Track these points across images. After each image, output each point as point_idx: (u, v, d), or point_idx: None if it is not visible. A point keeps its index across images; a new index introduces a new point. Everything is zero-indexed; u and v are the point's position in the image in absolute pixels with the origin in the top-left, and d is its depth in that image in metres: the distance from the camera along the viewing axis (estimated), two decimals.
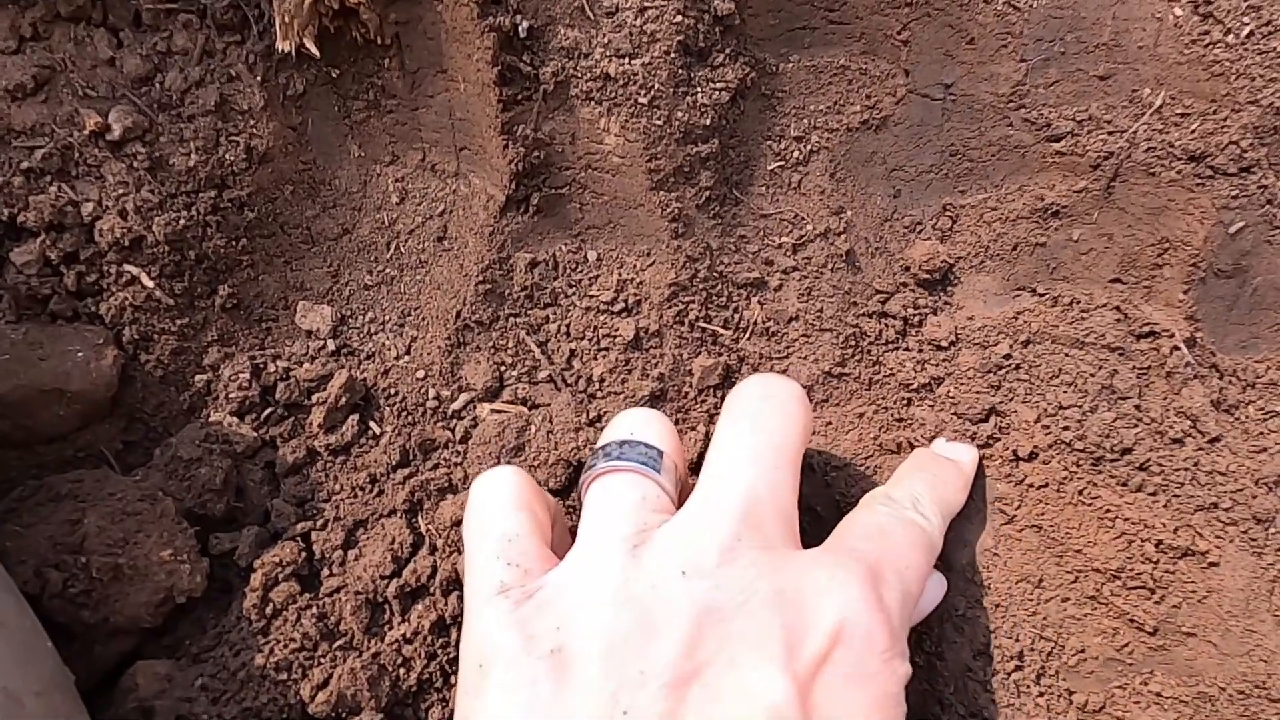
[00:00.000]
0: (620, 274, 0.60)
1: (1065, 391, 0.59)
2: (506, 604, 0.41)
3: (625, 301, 0.60)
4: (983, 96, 0.62)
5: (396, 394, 0.59)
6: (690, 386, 0.59)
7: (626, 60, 0.56)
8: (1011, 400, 0.60)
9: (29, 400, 0.51)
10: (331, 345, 0.61)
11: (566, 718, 0.36)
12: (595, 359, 0.59)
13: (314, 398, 0.58)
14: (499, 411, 0.58)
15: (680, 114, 0.57)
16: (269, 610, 0.49)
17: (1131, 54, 0.59)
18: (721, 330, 0.60)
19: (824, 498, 0.60)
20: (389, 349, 0.61)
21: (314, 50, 0.56)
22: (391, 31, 0.57)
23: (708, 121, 0.59)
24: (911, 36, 0.62)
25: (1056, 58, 0.60)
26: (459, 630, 0.52)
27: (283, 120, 0.59)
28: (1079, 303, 0.61)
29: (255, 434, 0.57)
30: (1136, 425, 0.57)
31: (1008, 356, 0.60)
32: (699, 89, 0.58)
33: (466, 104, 0.59)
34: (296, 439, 0.58)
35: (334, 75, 0.59)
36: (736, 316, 0.61)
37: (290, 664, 0.48)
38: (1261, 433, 0.58)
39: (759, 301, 0.61)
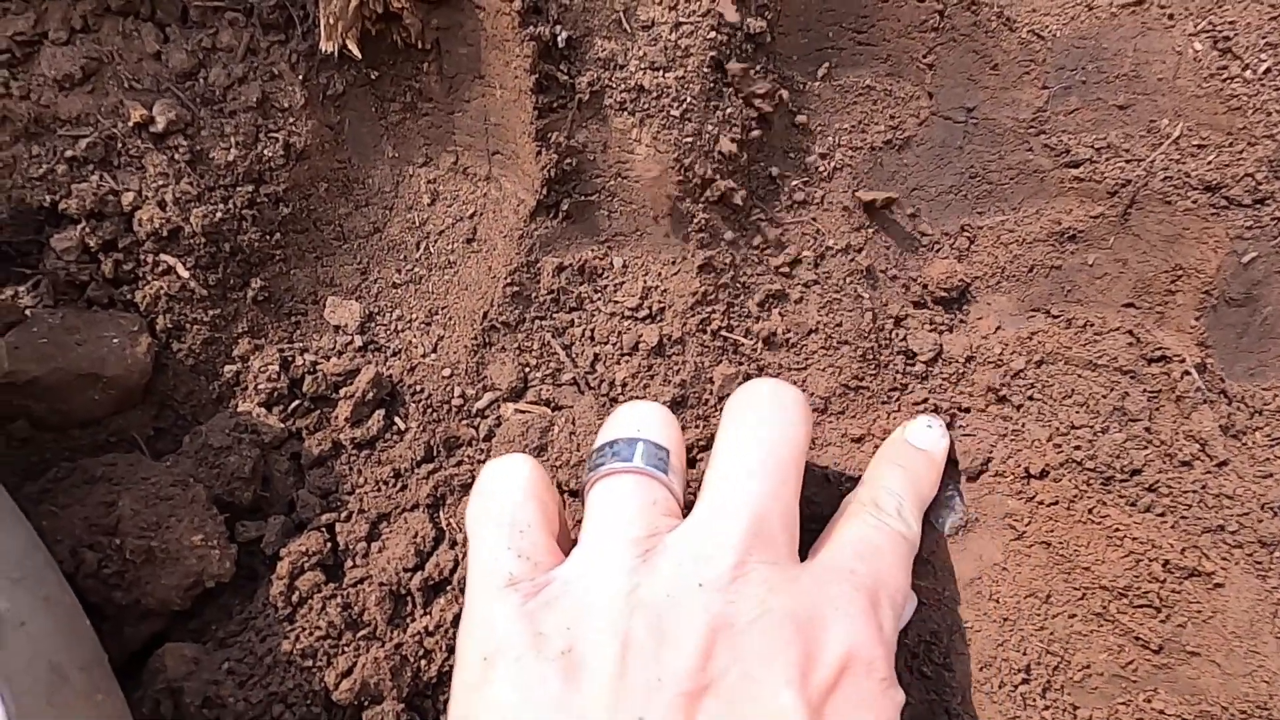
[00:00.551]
0: (645, 281, 0.61)
1: (1077, 412, 0.60)
2: (516, 597, 0.41)
3: (649, 308, 0.61)
4: (1004, 121, 0.64)
5: (422, 391, 0.60)
6: (711, 394, 0.61)
7: (660, 73, 0.57)
8: (1024, 418, 0.61)
9: (65, 384, 0.52)
10: (359, 341, 0.62)
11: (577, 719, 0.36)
12: (618, 363, 0.60)
13: (341, 392, 0.59)
14: (523, 411, 0.59)
15: (710, 127, 0.59)
16: (295, 598, 0.50)
17: (1151, 85, 0.60)
18: (742, 340, 0.61)
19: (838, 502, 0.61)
20: (415, 346, 0.62)
21: (356, 52, 0.57)
22: (432, 36, 0.59)
23: (736, 136, 0.60)
24: (937, 60, 0.64)
25: (1078, 86, 0.62)
26: None
27: (321, 119, 0.60)
28: (1092, 325, 0.62)
29: (282, 425, 0.58)
30: (1146, 447, 0.58)
31: (1021, 375, 0.62)
32: (729, 104, 0.59)
33: (501, 110, 0.60)
34: (322, 431, 0.59)
35: (373, 77, 0.60)
36: (757, 327, 0.62)
37: (315, 651, 0.48)
38: (1268, 459, 0.59)
39: (779, 313, 0.62)
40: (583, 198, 0.61)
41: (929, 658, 0.59)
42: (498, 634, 0.40)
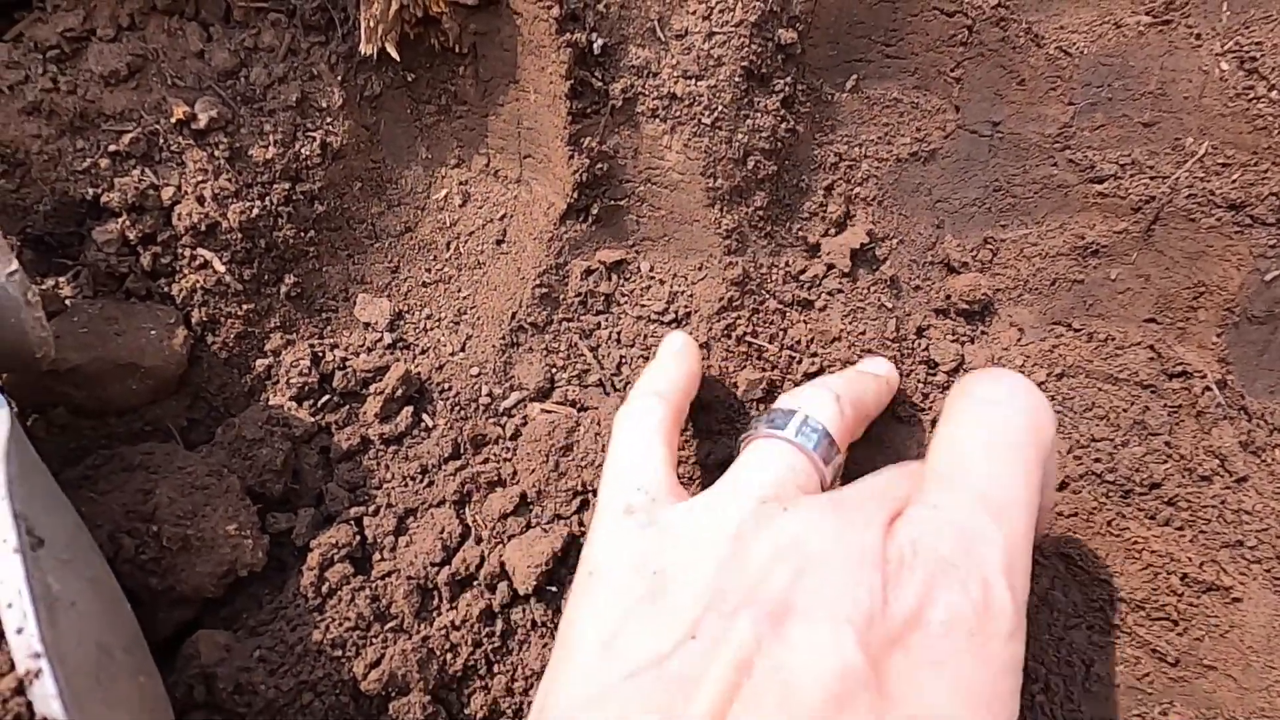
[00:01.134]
0: (672, 285, 0.62)
1: (1098, 425, 0.60)
2: (630, 524, 0.43)
3: (675, 313, 0.62)
4: (1030, 136, 0.65)
5: (450, 389, 0.61)
6: (735, 399, 0.61)
7: (693, 81, 0.58)
8: None
9: (104, 373, 0.53)
10: (388, 338, 0.63)
11: (647, 628, 0.37)
12: (644, 366, 0.61)
13: (370, 388, 0.60)
14: (549, 411, 0.60)
15: (741, 136, 0.60)
16: (325, 589, 0.51)
17: (1177, 103, 0.61)
18: (767, 346, 0.62)
19: None
20: (444, 345, 0.63)
21: (395, 55, 0.59)
22: (469, 41, 0.60)
23: (766, 145, 0.61)
24: (964, 74, 0.65)
25: (1104, 103, 0.63)
26: (505, 622, 0.54)
27: (358, 119, 0.61)
28: (1114, 340, 0.63)
29: (312, 419, 0.59)
30: (1166, 461, 0.59)
31: (1043, 388, 0.62)
32: (759, 113, 0.60)
33: (535, 114, 0.61)
34: (351, 426, 0.60)
35: (409, 79, 0.62)
36: (782, 334, 0.63)
37: (344, 642, 0.49)
38: None
39: (804, 320, 0.63)
40: (612, 202, 0.62)
41: None
42: (605, 553, 0.42)
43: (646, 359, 0.61)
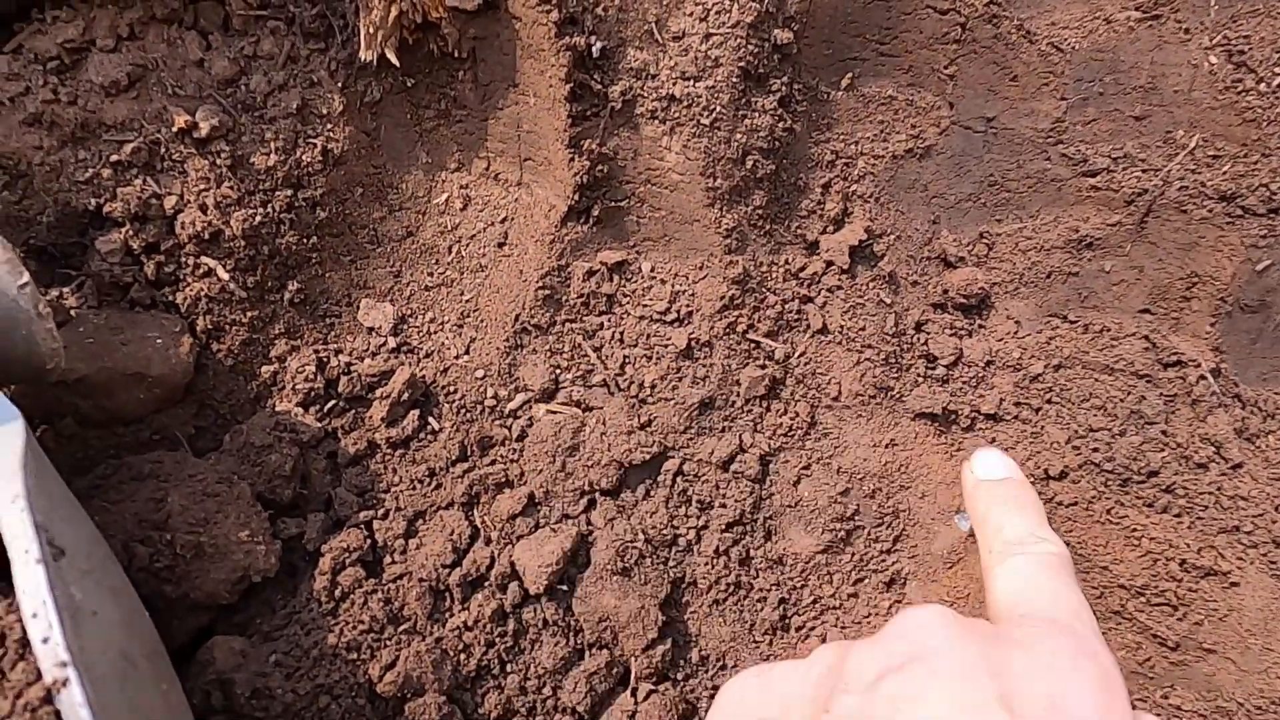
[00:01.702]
0: (674, 285, 0.63)
1: (1095, 415, 0.61)
2: None
3: (677, 312, 0.62)
4: (1023, 131, 0.65)
5: (455, 392, 0.61)
6: (738, 396, 0.62)
7: (691, 83, 0.59)
8: (1043, 421, 0.62)
9: (111, 382, 0.53)
10: (392, 342, 0.63)
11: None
12: (647, 366, 0.62)
13: (376, 392, 0.60)
14: (554, 412, 0.60)
15: (739, 136, 0.60)
16: (338, 593, 0.52)
17: (1167, 97, 0.62)
18: (768, 343, 0.63)
19: (860, 501, 0.62)
20: (448, 348, 0.63)
21: (394, 60, 0.59)
22: (468, 46, 0.60)
23: (764, 144, 0.61)
24: (958, 71, 0.65)
25: (1095, 98, 0.64)
26: (516, 620, 0.54)
27: (358, 125, 0.62)
28: (1109, 330, 0.64)
29: (319, 425, 0.59)
30: (1163, 449, 0.60)
31: (1040, 379, 0.63)
32: (756, 113, 0.61)
33: (534, 117, 0.62)
34: (358, 431, 0.60)
35: (409, 84, 0.62)
36: (782, 331, 0.63)
37: (359, 645, 0.50)
38: None
39: (804, 317, 0.64)
40: (613, 203, 0.62)
41: None
42: None
43: (649, 359, 0.62)
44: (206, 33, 0.58)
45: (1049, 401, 0.63)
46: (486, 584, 0.54)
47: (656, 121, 0.60)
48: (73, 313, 0.56)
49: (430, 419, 0.61)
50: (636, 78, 0.59)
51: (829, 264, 0.64)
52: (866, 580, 0.61)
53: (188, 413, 0.58)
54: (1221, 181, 0.60)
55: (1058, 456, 0.61)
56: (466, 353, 0.63)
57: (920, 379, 0.64)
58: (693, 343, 0.62)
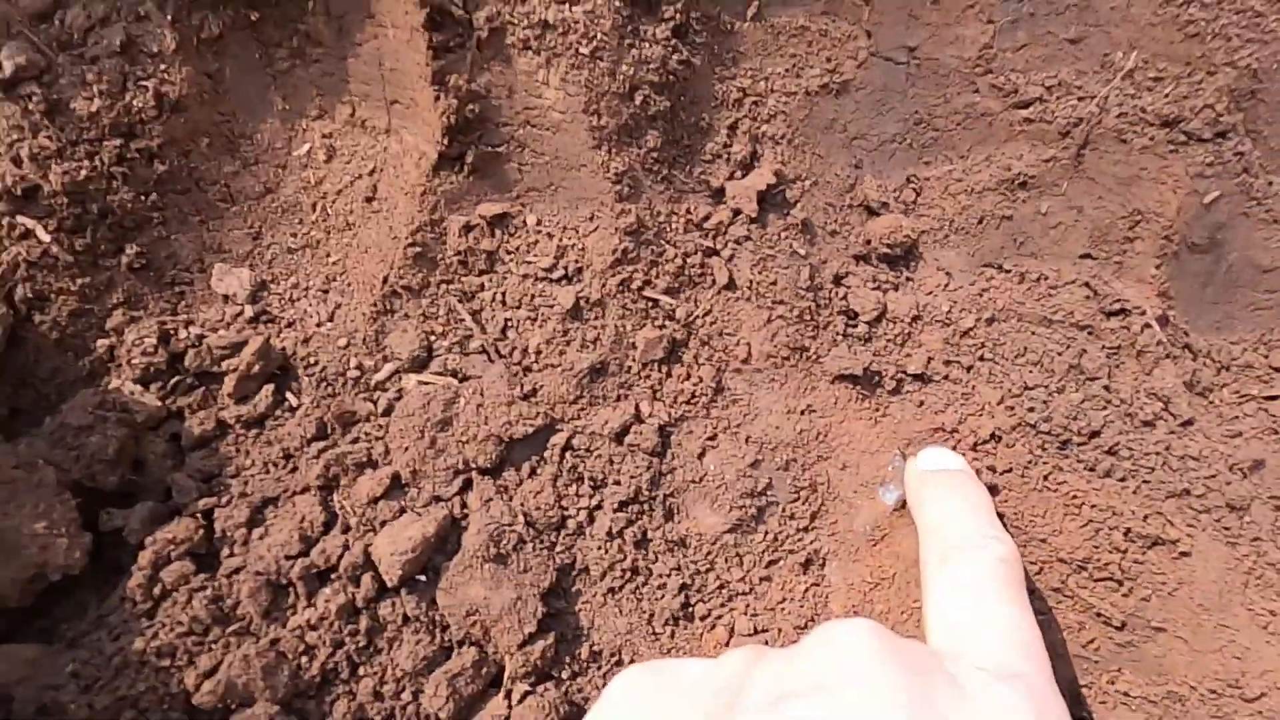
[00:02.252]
0: (561, 239, 0.56)
1: (1031, 371, 0.55)
2: None
3: (565, 268, 0.56)
4: (948, 61, 0.59)
5: (316, 363, 0.55)
6: (633, 360, 0.56)
7: (566, 6, 0.52)
8: (975, 380, 0.56)
9: None
10: (250, 311, 0.56)
11: None
12: (531, 329, 0.55)
13: (225, 365, 0.53)
14: (426, 383, 0.54)
15: (625, 68, 0.54)
16: (157, 591, 0.45)
17: (1103, 15, 0.56)
18: (667, 300, 0.56)
19: (773, 474, 0.56)
20: (311, 316, 0.56)
21: None
22: None
23: (655, 78, 0.55)
24: None
25: (1025, 20, 0.57)
26: (371, 617, 0.48)
27: (197, 66, 0.55)
28: (1046, 279, 0.57)
29: (160, 403, 0.53)
30: (1105, 407, 0.54)
31: (971, 334, 0.57)
32: (645, 42, 0.54)
33: (396, 52, 0.55)
34: (206, 410, 0.53)
35: (254, 19, 0.55)
36: (684, 287, 0.57)
37: (174, 650, 0.43)
38: (1236, 416, 0.55)
39: (708, 271, 0.57)
40: (489, 148, 0.56)
41: None
42: None
43: (534, 321, 0.55)
44: None
45: (981, 359, 0.57)
46: (336, 576, 0.47)
47: (530, 53, 0.53)
48: None
49: (288, 394, 0.54)
50: (504, 2, 0.52)
51: (736, 212, 0.58)
52: (781, 562, 0.55)
53: (2, 393, 0.52)
54: (1163, 105, 0.54)
55: (989, 419, 0.55)
56: (330, 320, 0.56)
57: (839, 337, 0.58)
58: (582, 302, 0.55)
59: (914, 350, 0.58)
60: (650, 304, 0.56)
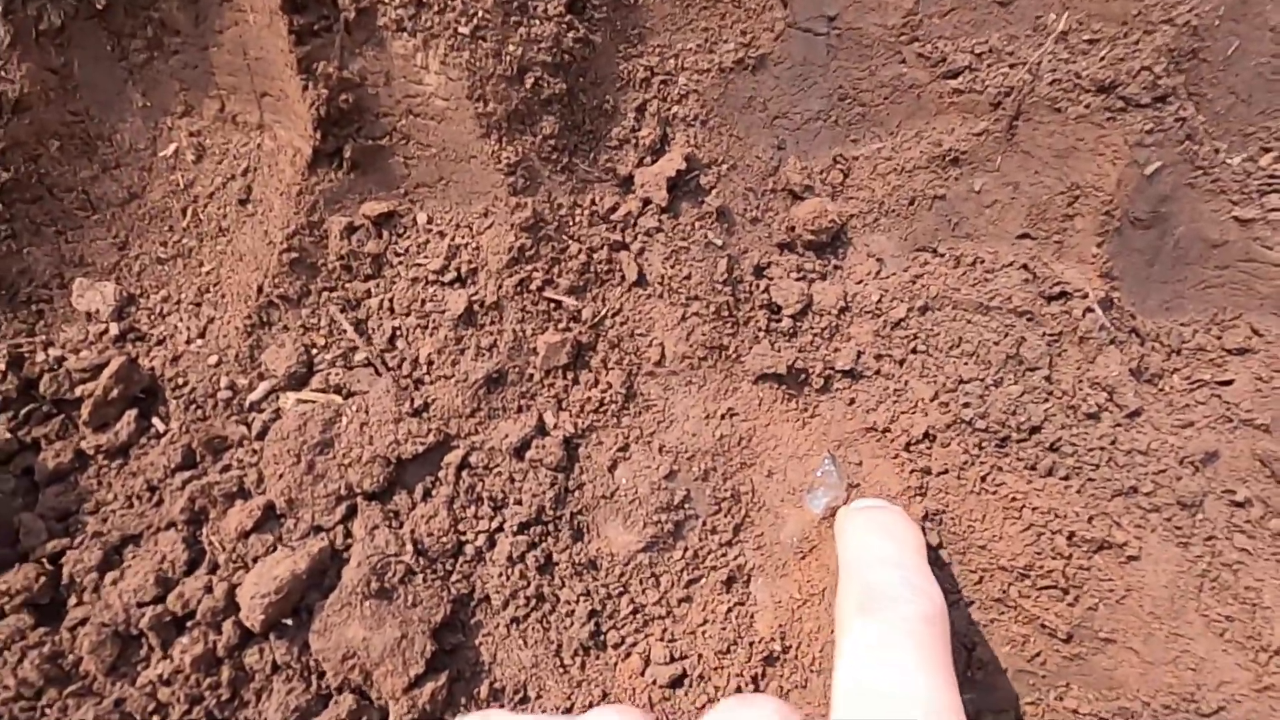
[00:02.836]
0: (454, 238, 0.51)
1: (966, 363, 0.51)
2: None
3: (458, 270, 0.51)
4: (871, 30, 0.54)
5: (185, 384, 0.50)
6: (534, 367, 0.51)
7: None
8: (907, 375, 0.52)
9: None
10: (115, 329, 0.51)
11: None
12: (422, 338, 0.51)
13: (82, 390, 0.49)
14: (305, 401, 0.49)
15: (512, 47, 0.49)
16: None
17: None
18: (570, 301, 0.51)
19: (691, 485, 0.52)
20: (181, 332, 0.51)
21: None
22: None
23: (548, 58, 0.50)
24: None
25: None
26: (231, 667, 0.43)
27: (39, 61, 0.50)
28: (983, 262, 0.53)
29: (9, 435, 0.48)
30: (1046, 400, 0.50)
31: (903, 325, 0.52)
32: (535, 19, 0.49)
33: (259, 39, 0.50)
34: (64, 440, 0.49)
35: (100, 7, 0.50)
36: (589, 285, 0.52)
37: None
38: (1187, 405, 0.51)
39: (615, 267, 0.53)
40: (369, 141, 0.51)
41: (809, 667, 0.50)
42: None
43: (424, 329, 0.51)
44: None
45: (914, 351, 0.52)
46: (194, 623, 0.43)
47: (405, 34, 0.48)
48: None
49: (155, 420, 0.49)
50: None
51: (645, 202, 0.53)
52: (702, 580, 0.50)
53: None
54: (1098, 69, 0.49)
55: (922, 416, 0.50)
56: (202, 336, 0.51)
57: (761, 333, 0.53)
58: (476, 306, 0.51)
59: (842, 344, 0.53)
60: (552, 305, 0.51)
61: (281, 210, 0.51)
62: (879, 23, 0.54)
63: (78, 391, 0.49)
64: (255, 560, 0.45)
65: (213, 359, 0.50)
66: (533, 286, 0.51)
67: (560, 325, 0.51)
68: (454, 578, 0.48)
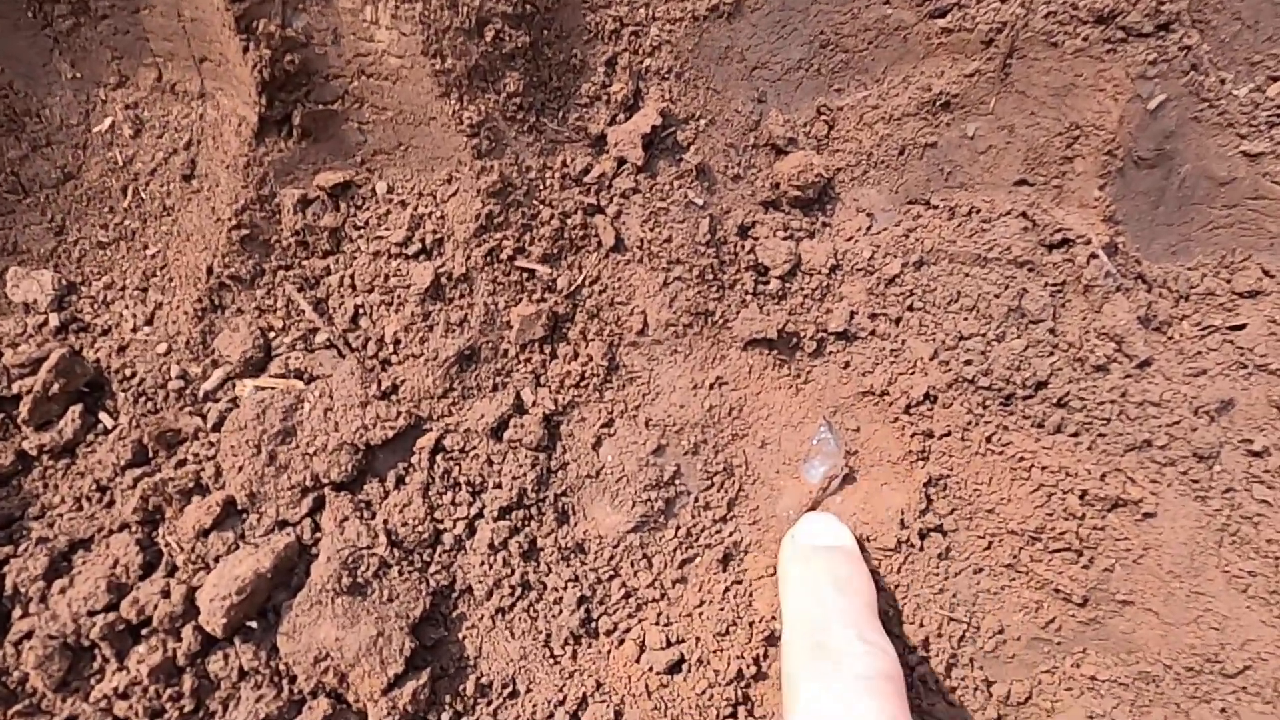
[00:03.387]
0: (416, 207, 0.48)
1: (966, 319, 0.48)
2: None
3: (422, 241, 0.48)
4: None
5: (133, 375, 0.46)
6: (509, 342, 0.48)
7: None
8: (904, 334, 0.49)
9: None
10: (55, 320, 0.48)
11: None
12: (387, 315, 0.47)
13: (17, 386, 0.45)
14: (263, 388, 0.46)
15: None
16: None
17: None
18: (544, 270, 0.48)
19: (681, 460, 0.49)
20: (127, 320, 0.48)
21: None
22: None
23: (508, 9, 0.46)
24: None
25: None
26: (194, 675, 0.40)
27: None
28: (979, 212, 0.50)
29: None
30: (1051, 353, 0.47)
31: (897, 281, 0.50)
32: None
33: None
34: (5, 441, 0.45)
35: None
36: (564, 252, 0.49)
37: None
38: (1199, 352, 0.48)
39: (592, 232, 0.49)
40: (319, 106, 0.47)
41: None
42: None
43: (389, 305, 0.47)
44: None
45: (910, 309, 0.49)
46: (150, 630, 0.40)
47: None
48: None
49: (101, 414, 0.46)
50: None
51: (620, 162, 0.50)
52: (696, 559, 0.48)
53: None
54: None
55: (922, 376, 0.48)
56: (149, 323, 0.48)
57: (749, 297, 0.50)
58: (443, 279, 0.47)
59: (835, 305, 0.50)
60: (525, 275, 0.48)
61: (229, 185, 0.48)
62: None
63: (15, 388, 0.45)
64: (216, 560, 0.42)
65: (162, 347, 0.47)
66: (503, 256, 0.48)
67: (534, 296, 0.48)
68: (432, 569, 0.45)
